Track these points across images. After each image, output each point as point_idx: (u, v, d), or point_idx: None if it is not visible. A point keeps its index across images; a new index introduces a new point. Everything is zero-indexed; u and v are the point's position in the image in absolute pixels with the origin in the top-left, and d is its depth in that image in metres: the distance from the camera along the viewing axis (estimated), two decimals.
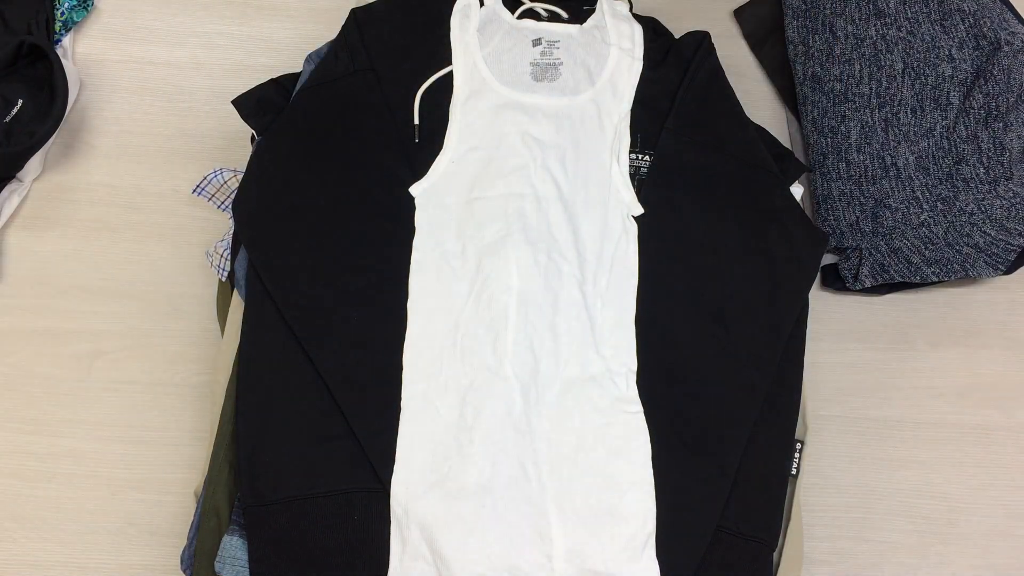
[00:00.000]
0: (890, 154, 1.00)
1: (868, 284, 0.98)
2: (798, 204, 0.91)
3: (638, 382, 0.82)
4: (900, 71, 1.02)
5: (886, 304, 1.02)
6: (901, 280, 0.98)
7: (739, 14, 1.13)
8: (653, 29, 0.98)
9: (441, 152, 0.89)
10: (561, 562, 0.76)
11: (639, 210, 0.87)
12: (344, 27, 0.93)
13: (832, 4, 1.05)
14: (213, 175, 0.93)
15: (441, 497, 0.77)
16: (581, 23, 0.96)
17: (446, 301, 0.84)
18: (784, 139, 1.07)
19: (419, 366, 0.82)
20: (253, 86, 0.92)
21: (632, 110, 0.92)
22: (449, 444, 0.79)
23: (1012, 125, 0.98)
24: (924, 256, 0.97)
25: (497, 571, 0.76)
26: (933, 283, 1.01)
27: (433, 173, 0.88)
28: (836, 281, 1.01)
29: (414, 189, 0.87)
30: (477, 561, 0.76)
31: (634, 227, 0.87)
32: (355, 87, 0.90)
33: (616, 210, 0.87)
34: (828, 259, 1.02)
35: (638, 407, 0.81)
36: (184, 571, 0.81)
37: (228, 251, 0.89)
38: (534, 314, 0.83)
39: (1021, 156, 0.98)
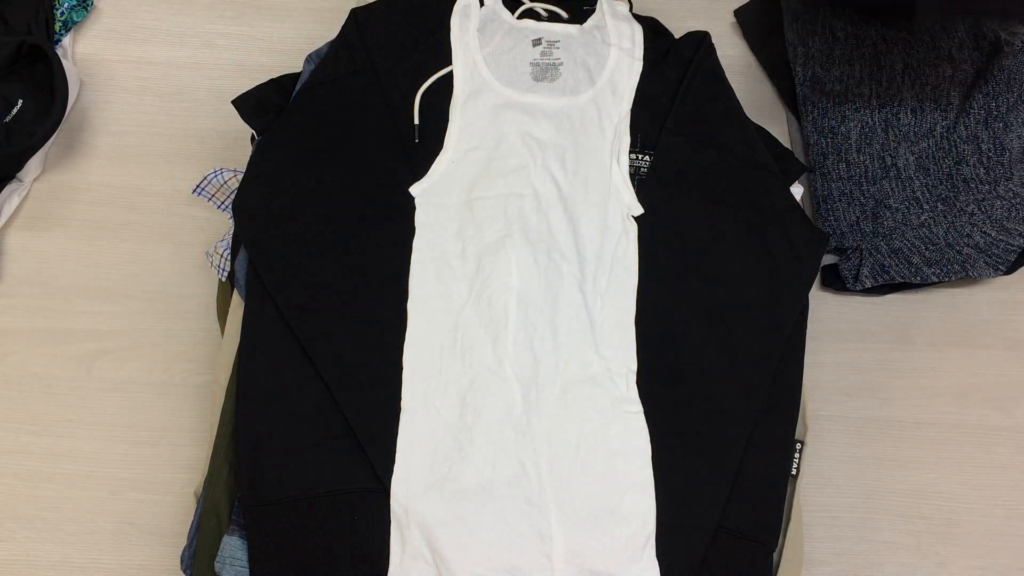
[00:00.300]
0: (890, 154, 1.00)
1: (868, 285, 0.98)
2: (798, 204, 0.91)
3: (638, 382, 0.82)
4: (900, 71, 1.02)
5: (886, 304, 1.01)
6: (901, 280, 0.98)
7: (739, 14, 1.12)
8: (653, 29, 0.98)
9: (441, 152, 0.89)
10: (561, 562, 0.76)
11: (639, 210, 0.87)
12: (344, 27, 0.93)
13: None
14: (213, 175, 0.93)
15: (441, 497, 0.77)
16: (581, 23, 0.96)
17: (446, 301, 0.84)
18: (784, 139, 1.07)
19: (419, 366, 0.82)
20: (253, 86, 0.92)
21: (632, 110, 0.92)
22: (449, 444, 0.79)
23: (1012, 125, 0.98)
24: (924, 256, 0.97)
25: (497, 571, 0.76)
26: (933, 283, 1.01)
27: (433, 173, 0.88)
28: (836, 281, 1.01)
29: (414, 189, 0.87)
30: (477, 561, 0.76)
31: (634, 227, 0.87)
32: (355, 87, 0.90)
33: (616, 210, 0.87)
34: (828, 259, 1.02)
35: (638, 407, 0.81)
36: (184, 571, 0.81)
37: (228, 251, 0.89)
38: (534, 314, 0.83)
39: (1021, 156, 0.98)
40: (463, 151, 0.89)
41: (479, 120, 0.90)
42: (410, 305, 0.83)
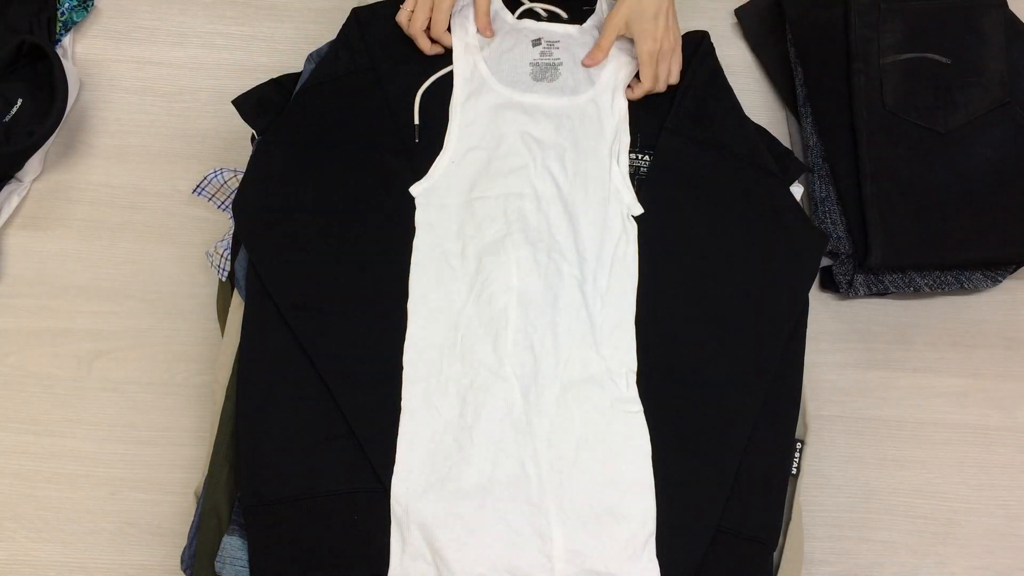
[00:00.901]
0: None
1: (862, 293, 0.98)
2: (798, 204, 0.91)
3: (638, 382, 0.82)
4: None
5: (886, 304, 1.02)
6: (896, 291, 0.98)
7: (739, 14, 1.13)
8: None
9: (441, 152, 0.89)
10: (561, 562, 0.76)
11: (639, 210, 0.87)
12: (345, 26, 0.93)
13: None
14: (213, 175, 0.93)
15: (441, 497, 0.77)
16: (581, 23, 0.96)
17: (446, 301, 0.84)
18: (784, 139, 1.07)
19: (419, 366, 0.82)
20: (253, 86, 0.92)
21: (632, 110, 0.92)
22: (449, 444, 0.79)
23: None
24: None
25: (497, 571, 0.76)
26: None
27: (433, 173, 0.88)
28: (834, 284, 1.01)
29: (414, 189, 0.87)
30: (477, 561, 0.76)
31: (634, 227, 0.87)
32: (355, 86, 0.90)
33: (616, 210, 0.87)
34: (825, 261, 1.02)
35: (638, 407, 0.81)
36: (184, 571, 0.81)
37: (228, 251, 0.89)
38: (534, 314, 0.83)
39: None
40: (463, 151, 0.89)
41: (479, 120, 0.90)
42: (410, 305, 0.83)
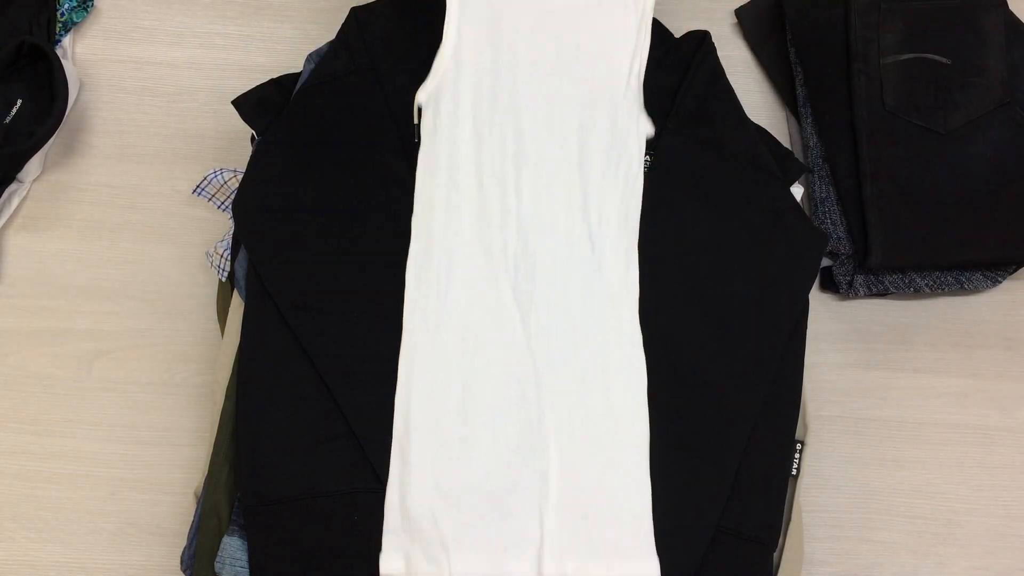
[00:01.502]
0: None
1: (862, 294, 0.98)
2: (798, 204, 0.91)
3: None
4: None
5: (886, 304, 1.02)
6: (896, 291, 0.98)
7: (739, 14, 1.12)
8: (654, 30, 0.97)
9: (440, 47, 0.89)
10: (560, 562, 0.76)
11: (650, 129, 0.89)
12: (344, 26, 0.93)
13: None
14: (213, 175, 0.93)
15: (441, 496, 0.77)
16: None
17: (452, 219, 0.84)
18: (784, 139, 1.07)
19: (417, 363, 0.81)
20: (253, 86, 0.92)
21: None
22: (450, 443, 0.79)
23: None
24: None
25: (496, 571, 0.76)
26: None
27: (435, 72, 0.88)
28: (834, 285, 1.01)
29: (420, 94, 0.87)
30: (477, 561, 0.76)
31: (649, 127, 0.88)
32: (355, 86, 0.90)
33: (627, 114, 0.88)
34: (827, 262, 1.02)
35: (639, 337, 0.82)
36: (184, 571, 0.81)
37: (228, 251, 0.89)
38: (541, 288, 0.83)
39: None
40: (465, 44, 0.89)
41: (480, 13, 0.90)
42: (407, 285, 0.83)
